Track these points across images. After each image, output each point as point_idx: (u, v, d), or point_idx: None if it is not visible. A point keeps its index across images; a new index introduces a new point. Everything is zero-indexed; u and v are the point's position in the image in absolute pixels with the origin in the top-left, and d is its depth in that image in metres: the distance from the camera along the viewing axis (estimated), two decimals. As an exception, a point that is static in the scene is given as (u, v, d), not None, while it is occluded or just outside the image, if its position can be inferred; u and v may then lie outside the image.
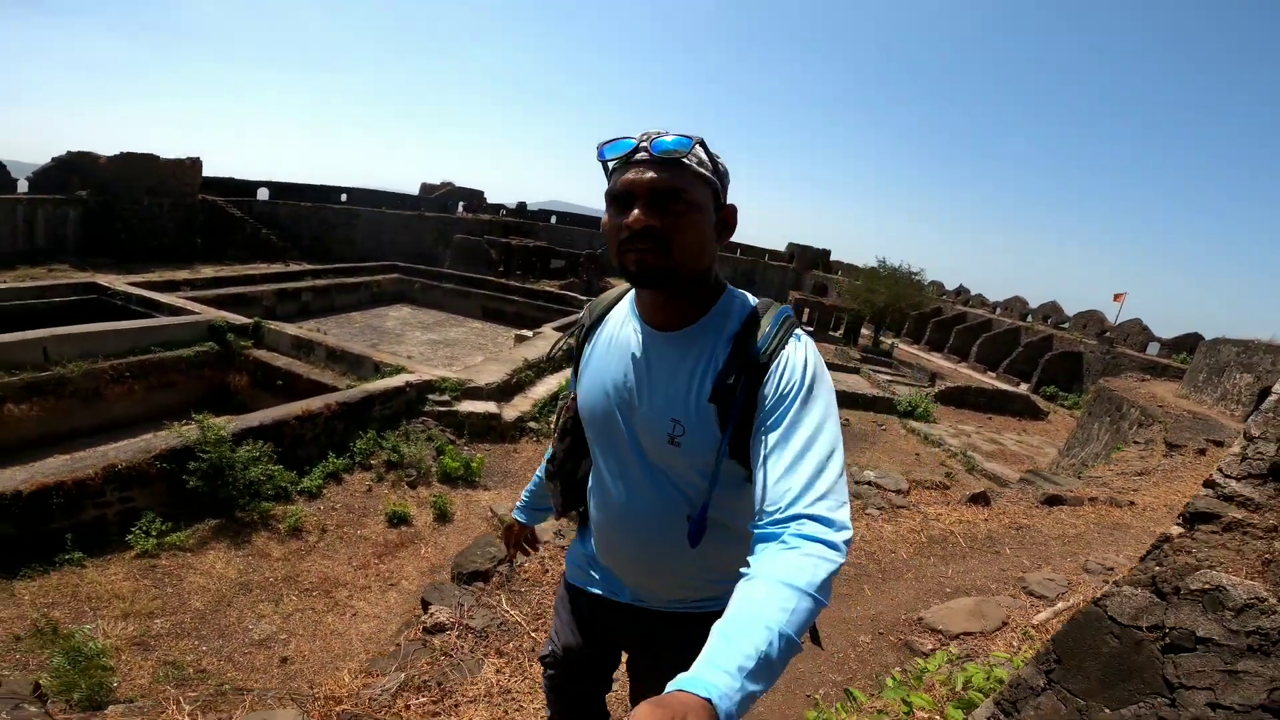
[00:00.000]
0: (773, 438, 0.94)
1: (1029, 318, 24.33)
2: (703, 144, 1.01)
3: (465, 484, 6.26)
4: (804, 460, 0.90)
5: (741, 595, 0.80)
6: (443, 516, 6.25)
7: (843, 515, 0.87)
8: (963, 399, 14.99)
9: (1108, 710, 1.19)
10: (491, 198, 30.73)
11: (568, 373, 9.73)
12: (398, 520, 5.92)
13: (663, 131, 1.00)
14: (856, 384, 13.85)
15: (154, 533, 4.90)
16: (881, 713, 2.19)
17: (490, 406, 8.26)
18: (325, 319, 13.44)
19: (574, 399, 1.26)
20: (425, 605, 2.92)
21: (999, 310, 25.70)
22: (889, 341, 24.39)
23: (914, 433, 11.21)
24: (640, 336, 1.11)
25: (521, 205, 32.11)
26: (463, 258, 22.27)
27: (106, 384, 7.57)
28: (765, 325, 1.04)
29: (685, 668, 0.73)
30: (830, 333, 23.02)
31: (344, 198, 23.51)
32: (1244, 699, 1.05)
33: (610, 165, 1.04)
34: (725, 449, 1.01)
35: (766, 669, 0.71)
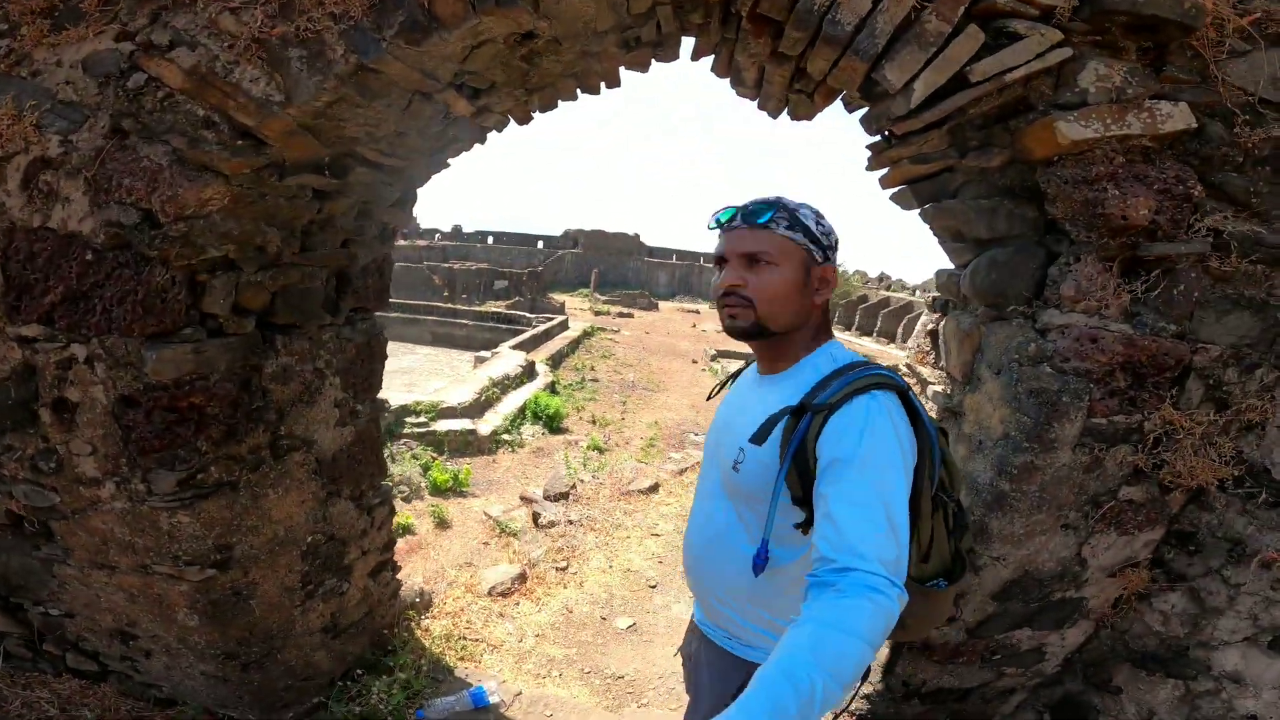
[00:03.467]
0: (831, 491, 0.97)
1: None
2: (792, 210, 1.15)
3: (456, 494, 6.76)
4: (864, 518, 0.93)
5: (792, 639, 0.82)
6: (442, 524, 7.13)
7: (898, 571, 0.91)
8: (893, 378, 16.89)
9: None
10: (424, 223, 31.19)
11: (531, 388, 10.77)
12: (402, 530, 6.80)
13: (764, 199, 1.17)
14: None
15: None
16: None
17: (466, 423, 8.80)
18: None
19: None
20: (536, 516, 4.83)
21: (919, 292, 28.30)
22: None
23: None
24: (748, 378, 1.31)
25: (457, 228, 32.64)
26: (404, 285, 22.74)
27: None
28: (842, 378, 1.08)
29: (710, 698, 0.89)
30: (770, 328, 24.73)
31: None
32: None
33: (717, 231, 1.20)
34: (781, 483, 1.06)
35: (806, 715, 0.73)
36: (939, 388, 2.09)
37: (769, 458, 1.09)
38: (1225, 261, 1.52)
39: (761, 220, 1.12)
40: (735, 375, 1.40)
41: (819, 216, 1.19)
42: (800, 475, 1.04)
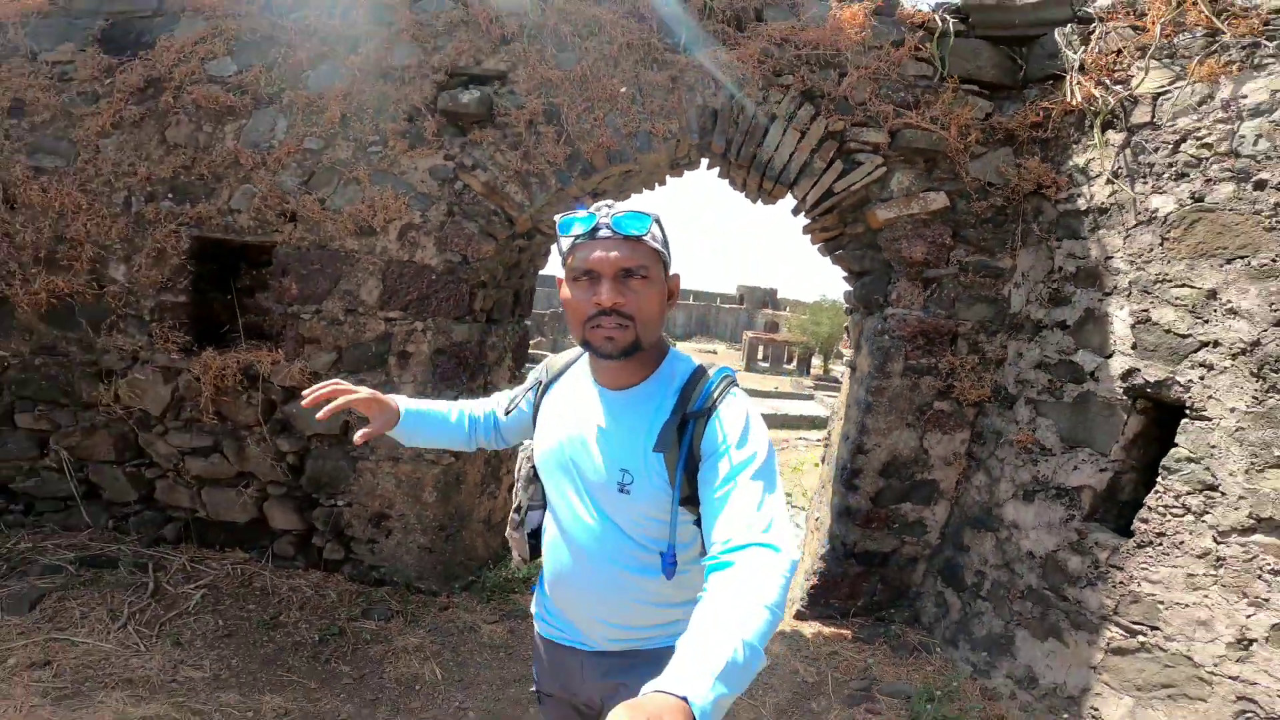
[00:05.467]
0: (719, 482, 1.08)
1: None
2: (657, 219, 1.15)
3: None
4: (749, 499, 1.04)
5: (704, 613, 0.89)
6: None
7: (787, 542, 1.00)
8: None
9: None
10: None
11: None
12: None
13: (620, 207, 1.14)
14: (812, 408, 16.39)
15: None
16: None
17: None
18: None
19: (533, 450, 1.41)
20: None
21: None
22: (839, 369, 27.84)
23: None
24: (593, 395, 1.27)
25: (481, 271, 34.91)
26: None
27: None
28: (705, 384, 1.19)
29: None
30: (784, 365, 26.12)
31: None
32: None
33: (569, 239, 1.15)
34: (677, 495, 1.15)
35: (736, 674, 0.78)
36: (849, 357, 3.77)
37: (657, 472, 1.16)
38: (967, 278, 3.21)
39: (641, 233, 1.12)
40: (544, 385, 1.41)
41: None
42: (688, 476, 1.14)
